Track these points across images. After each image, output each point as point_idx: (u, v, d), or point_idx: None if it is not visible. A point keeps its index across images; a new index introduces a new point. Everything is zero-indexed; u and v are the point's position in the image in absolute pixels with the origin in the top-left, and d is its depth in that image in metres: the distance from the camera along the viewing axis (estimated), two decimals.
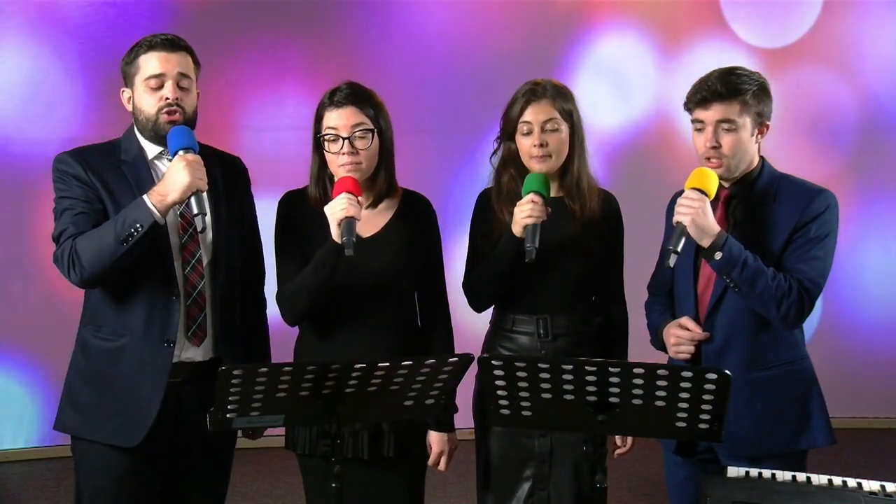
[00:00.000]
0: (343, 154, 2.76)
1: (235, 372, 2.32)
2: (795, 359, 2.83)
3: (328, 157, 2.80)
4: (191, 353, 2.77)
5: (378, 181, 2.85)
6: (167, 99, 2.72)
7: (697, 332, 2.80)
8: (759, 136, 2.80)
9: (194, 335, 2.76)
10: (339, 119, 2.77)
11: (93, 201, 2.72)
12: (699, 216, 2.65)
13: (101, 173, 2.74)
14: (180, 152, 2.65)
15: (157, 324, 2.72)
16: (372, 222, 2.84)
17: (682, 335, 2.82)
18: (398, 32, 5.61)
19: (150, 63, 2.73)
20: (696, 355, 2.81)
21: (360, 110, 2.78)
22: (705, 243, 2.68)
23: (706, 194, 2.68)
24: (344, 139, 2.76)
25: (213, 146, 2.92)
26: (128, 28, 5.18)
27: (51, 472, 5.04)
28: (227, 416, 2.40)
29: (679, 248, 2.65)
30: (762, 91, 2.77)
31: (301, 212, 2.87)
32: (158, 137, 2.76)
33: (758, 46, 5.73)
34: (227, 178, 2.87)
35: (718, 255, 2.67)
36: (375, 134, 2.79)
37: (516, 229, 2.79)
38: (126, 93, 2.81)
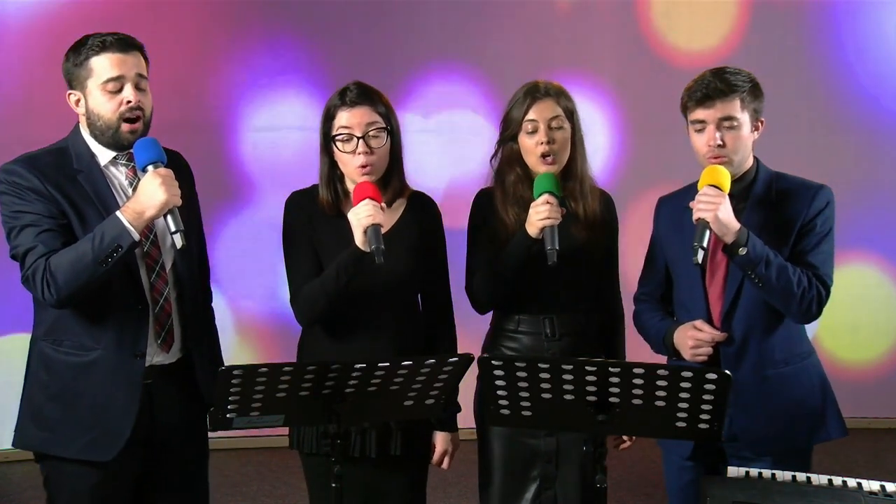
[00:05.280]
0: (359, 154, 2.74)
1: (235, 372, 2.31)
2: (805, 353, 2.85)
3: (340, 157, 2.78)
4: (160, 357, 2.70)
5: (392, 182, 2.84)
6: (129, 103, 2.61)
7: (716, 333, 2.77)
8: (755, 132, 2.80)
9: (164, 342, 2.69)
10: (352, 118, 2.75)
11: (57, 216, 2.59)
12: (722, 212, 2.63)
13: (61, 185, 2.60)
14: (150, 167, 2.57)
15: (129, 337, 2.64)
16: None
17: (701, 337, 2.77)
18: (399, 32, 5.60)
19: (105, 65, 2.61)
20: (713, 356, 2.79)
21: (373, 109, 2.77)
22: (728, 239, 2.66)
23: (722, 191, 2.67)
24: (358, 138, 2.74)
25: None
26: (129, 28, 5.17)
27: None
28: (227, 415, 2.40)
29: (705, 244, 2.61)
30: (756, 88, 2.78)
31: (309, 212, 2.85)
32: (115, 143, 2.66)
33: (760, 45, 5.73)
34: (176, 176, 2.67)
35: (743, 251, 2.65)
36: (388, 133, 2.78)
37: (532, 231, 2.77)
38: (75, 95, 2.67)
